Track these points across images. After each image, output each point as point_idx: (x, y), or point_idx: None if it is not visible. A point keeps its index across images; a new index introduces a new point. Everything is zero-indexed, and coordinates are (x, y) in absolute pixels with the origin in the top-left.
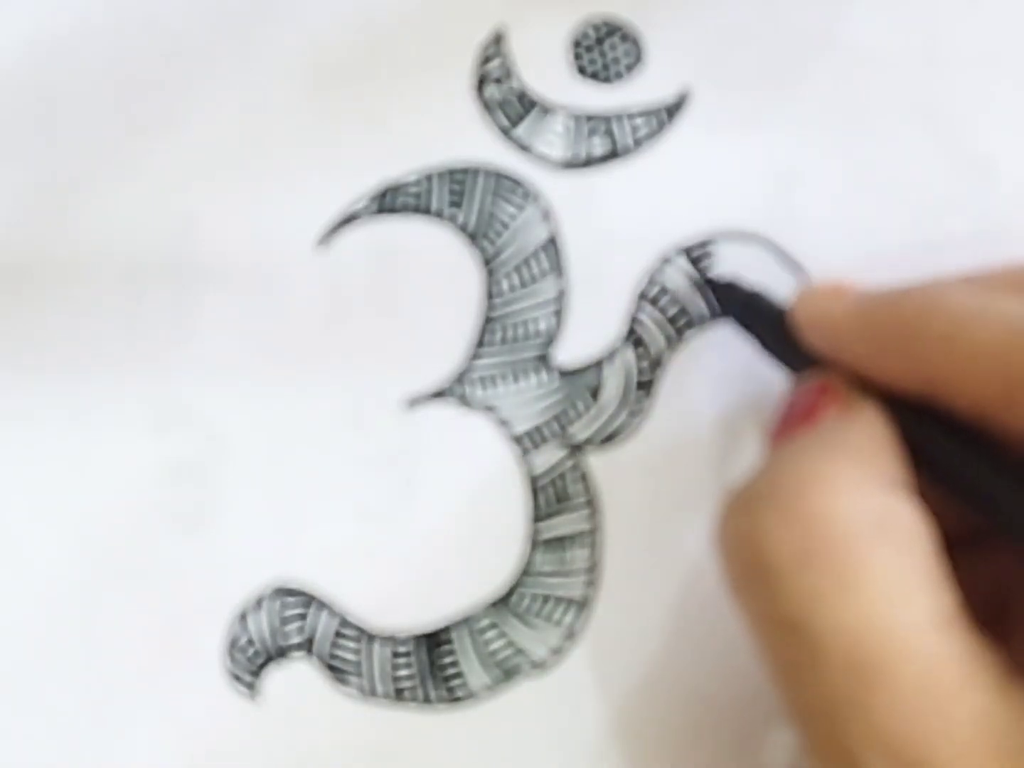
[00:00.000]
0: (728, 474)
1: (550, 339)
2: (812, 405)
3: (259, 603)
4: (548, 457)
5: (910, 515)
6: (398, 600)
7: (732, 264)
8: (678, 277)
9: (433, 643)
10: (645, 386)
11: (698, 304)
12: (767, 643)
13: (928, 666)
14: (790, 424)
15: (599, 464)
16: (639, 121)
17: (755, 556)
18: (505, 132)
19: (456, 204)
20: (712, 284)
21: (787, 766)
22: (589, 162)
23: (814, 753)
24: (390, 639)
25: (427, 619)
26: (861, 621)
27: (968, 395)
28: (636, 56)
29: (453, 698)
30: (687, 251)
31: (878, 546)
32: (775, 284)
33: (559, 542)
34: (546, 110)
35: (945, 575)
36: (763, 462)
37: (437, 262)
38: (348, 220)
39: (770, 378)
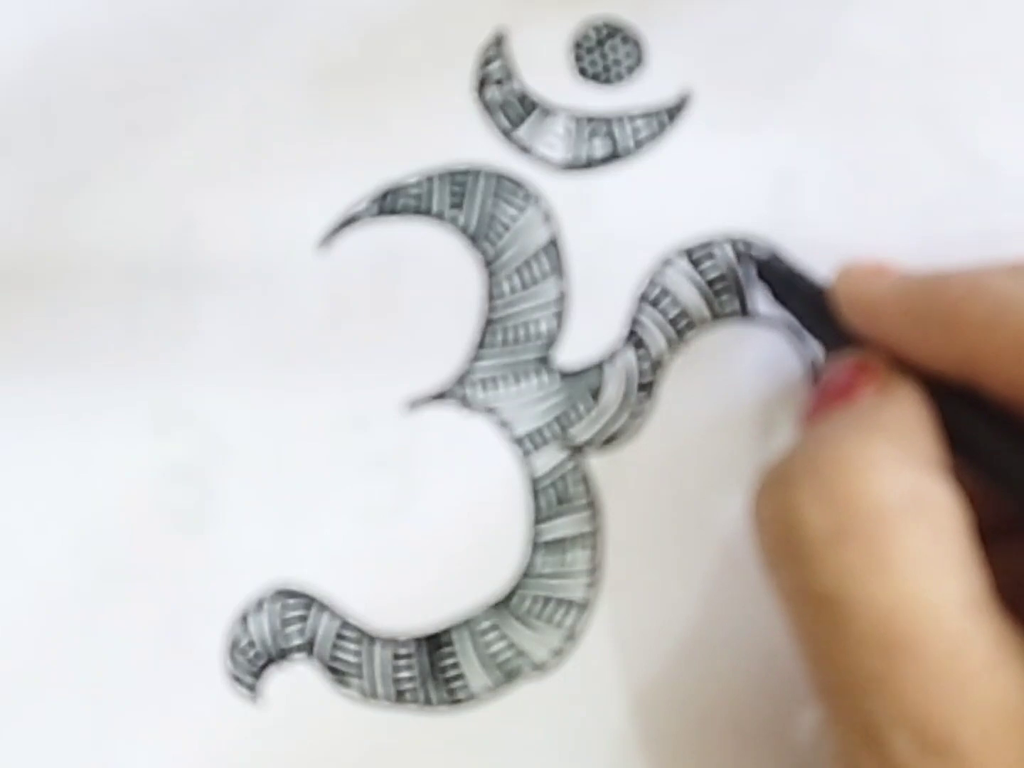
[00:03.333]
0: (729, 475)
1: (551, 341)
2: (849, 383)
3: (260, 605)
4: (549, 459)
5: (945, 495)
6: (399, 602)
7: (732, 265)
8: (679, 279)
9: (434, 645)
10: (646, 388)
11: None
12: (798, 618)
13: (957, 646)
14: (826, 401)
15: (600, 466)
16: (640, 123)
17: (790, 531)
18: (506, 134)
19: (457, 206)
20: (753, 259)
21: None
22: (590, 164)
23: (838, 730)
24: (391, 641)
25: (428, 621)
26: (892, 598)
27: (1007, 380)
28: (637, 58)
29: (454, 700)
30: (688, 252)
31: (912, 525)
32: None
33: (560, 544)
34: (547, 112)
35: (977, 558)
36: (798, 438)
37: (438, 264)
38: (349, 222)
39: (771, 378)
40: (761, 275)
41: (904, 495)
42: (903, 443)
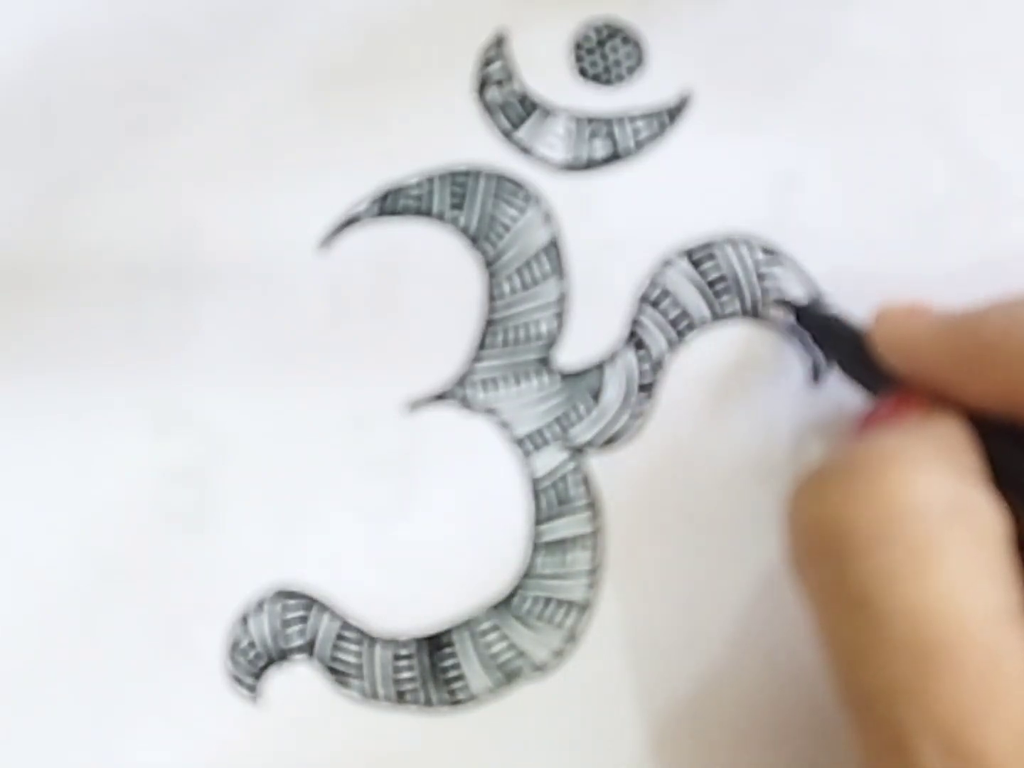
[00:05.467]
0: (729, 475)
1: (551, 341)
2: (894, 410)
3: (260, 606)
4: (549, 459)
5: (986, 506)
6: (399, 603)
7: (732, 265)
8: (679, 279)
9: (434, 646)
10: (646, 388)
11: (701, 306)
12: (830, 621)
13: (991, 657)
14: (870, 425)
15: (600, 466)
16: (640, 123)
17: (828, 530)
18: (506, 134)
19: (457, 206)
20: (792, 307)
21: None
22: (590, 164)
23: (864, 737)
24: (391, 642)
25: (428, 622)
26: (928, 603)
27: None
28: (637, 58)
29: (454, 701)
30: (688, 253)
31: (952, 531)
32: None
33: (560, 544)
34: (547, 112)
35: (1015, 571)
36: (841, 448)
37: (438, 264)
38: (349, 222)
39: (771, 379)
40: (800, 321)
41: (947, 501)
42: (947, 452)
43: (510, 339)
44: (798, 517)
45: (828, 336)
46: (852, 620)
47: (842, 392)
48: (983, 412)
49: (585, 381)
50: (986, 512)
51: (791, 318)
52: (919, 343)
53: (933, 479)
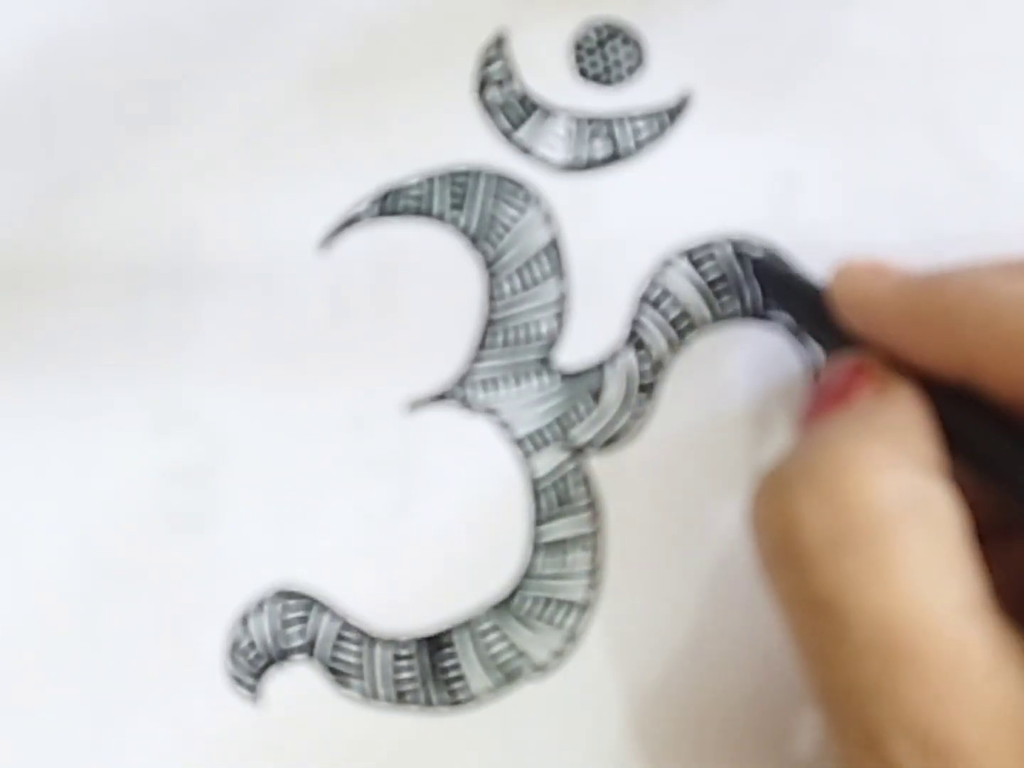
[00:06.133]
0: (729, 476)
1: (551, 342)
2: (847, 385)
3: (260, 606)
4: (550, 460)
5: (943, 499)
6: (400, 603)
7: (732, 266)
8: (680, 279)
9: (435, 646)
10: (647, 389)
11: (701, 306)
12: (797, 624)
13: (957, 651)
14: (824, 404)
15: (601, 467)
16: (641, 124)
17: (788, 536)
18: (507, 135)
19: (457, 207)
20: (749, 259)
21: None
22: (591, 165)
23: (838, 737)
24: (392, 642)
25: (429, 622)
26: (891, 603)
27: (1006, 380)
28: (638, 59)
29: (455, 701)
30: (688, 254)
31: (911, 529)
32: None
33: (560, 545)
34: (547, 113)
35: (976, 562)
36: (796, 442)
37: (438, 265)
38: (349, 223)
39: (771, 380)
40: (756, 274)
41: (903, 499)
42: (901, 446)
43: (510, 339)
44: (758, 521)
45: (785, 291)
46: (818, 623)
47: None
48: (938, 377)
49: (585, 381)
50: (943, 507)
51: (750, 270)
52: (878, 303)
53: (889, 479)
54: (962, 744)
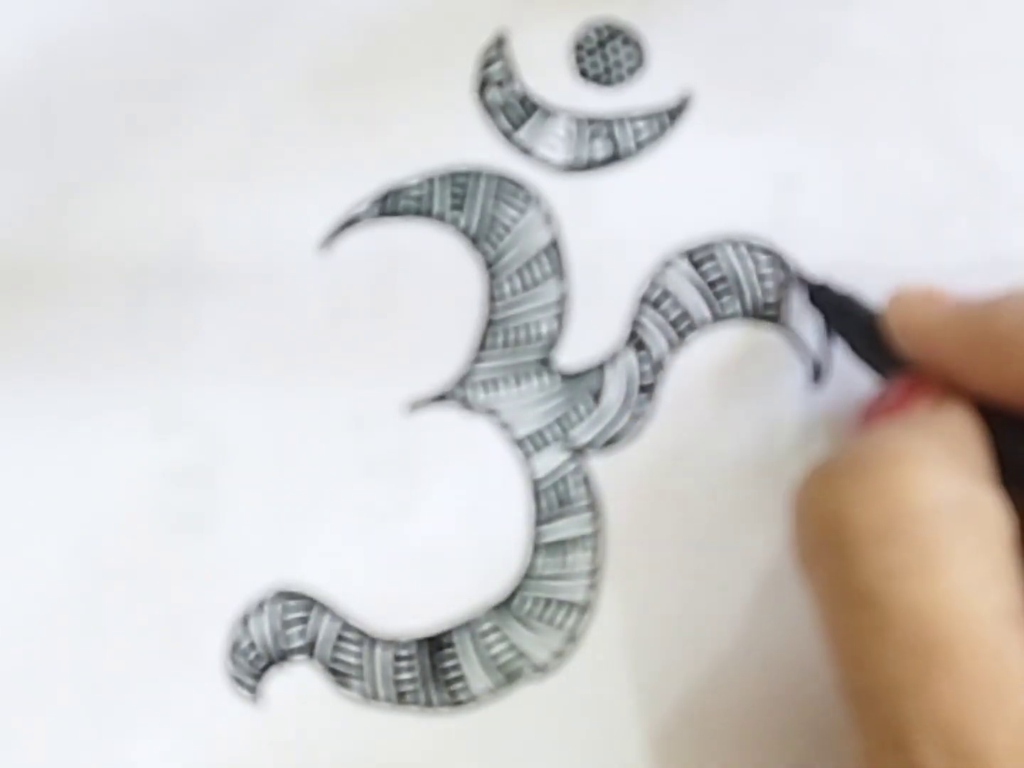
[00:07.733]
0: (730, 476)
1: (552, 342)
2: (903, 398)
3: (261, 607)
4: (550, 460)
5: (994, 506)
6: (400, 603)
7: (733, 266)
8: (680, 280)
9: (435, 647)
10: (647, 389)
11: (699, 308)
12: (834, 616)
13: (995, 657)
14: (878, 414)
15: (601, 467)
16: (641, 124)
17: (834, 526)
18: (507, 135)
19: (458, 207)
20: (805, 284)
21: None
22: (591, 165)
23: (865, 735)
24: (392, 643)
25: (429, 622)
26: (935, 603)
27: None
28: (638, 59)
29: (455, 702)
30: (689, 254)
31: (960, 530)
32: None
33: (561, 545)
34: (548, 113)
35: (1019, 573)
36: (848, 441)
37: (439, 265)
38: (350, 223)
39: (771, 380)
40: (813, 301)
41: (954, 499)
42: (955, 450)
43: (511, 340)
44: (804, 511)
45: (840, 315)
46: (856, 617)
47: (843, 392)
48: (992, 403)
49: (586, 382)
50: (993, 513)
51: (805, 296)
52: (932, 329)
53: (941, 478)
54: (990, 751)
